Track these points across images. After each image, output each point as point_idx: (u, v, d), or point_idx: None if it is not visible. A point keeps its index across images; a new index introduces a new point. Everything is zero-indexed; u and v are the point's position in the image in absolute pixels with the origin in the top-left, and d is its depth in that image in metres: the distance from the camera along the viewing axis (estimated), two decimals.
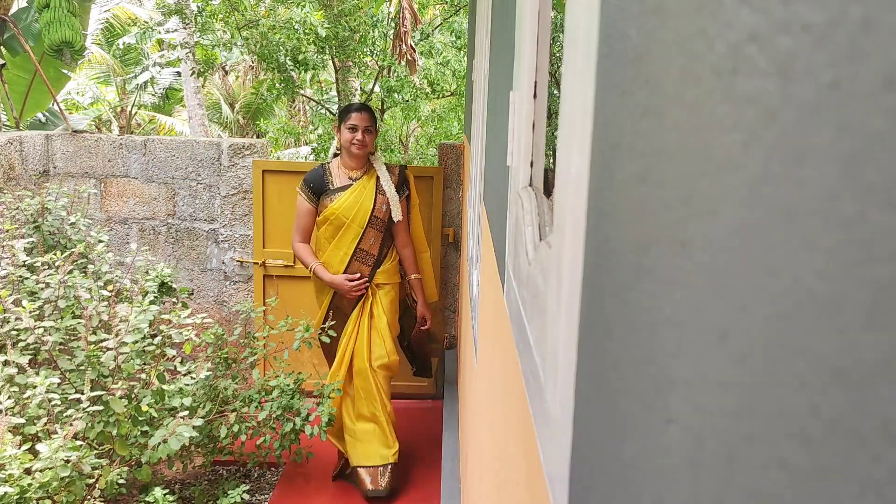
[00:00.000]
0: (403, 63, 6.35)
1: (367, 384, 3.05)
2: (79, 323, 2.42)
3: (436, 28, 7.52)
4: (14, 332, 2.36)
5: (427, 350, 3.39)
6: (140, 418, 2.37)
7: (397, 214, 3.05)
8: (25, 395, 2.19)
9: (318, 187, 3.05)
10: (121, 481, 2.26)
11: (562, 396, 0.57)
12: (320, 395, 3.10)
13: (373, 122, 3.04)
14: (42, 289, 2.54)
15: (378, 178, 3.06)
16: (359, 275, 3.02)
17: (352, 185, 3.03)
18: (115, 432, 2.29)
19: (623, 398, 0.40)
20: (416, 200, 3.26)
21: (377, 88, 7.10)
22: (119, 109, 11.87)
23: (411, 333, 3.30)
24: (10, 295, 2.51)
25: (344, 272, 3.02)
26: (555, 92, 4.90)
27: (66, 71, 6.19)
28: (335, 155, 3.16)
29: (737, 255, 0.26)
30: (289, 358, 3.36)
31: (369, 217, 3.01)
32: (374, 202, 3.02)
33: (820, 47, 0.21)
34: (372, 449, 3.04)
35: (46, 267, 2.64)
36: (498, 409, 1.30)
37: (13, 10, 5.57)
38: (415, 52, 6.31)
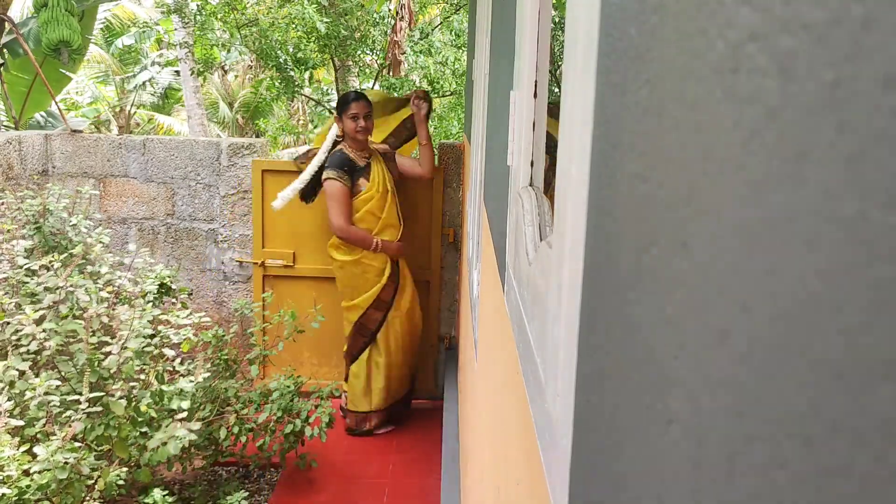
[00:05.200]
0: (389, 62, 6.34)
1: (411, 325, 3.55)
2: (79, 325, 2.42)
3: (435, 27, 7.52)
4: (14, 337, 2.37)
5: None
6: (139, 419, 2.37)
7: (415, 166, 3.53)
8: (25, 398, 2.19)
9: (350, 169, 3.33)
10: (120, 482, 2.26)
11: (562, 397, 0.57)
12: (319, 396, 3.11)
13: (370, 108, 3.37)
14: (42, 292, 2.54)
15: (379, 153, 3.48)
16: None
17: (370, 163, 3.39)
18: (114, 434, 2.29)
19: (623, 399, 0.40)
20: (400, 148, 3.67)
21: (377, 87, 7.10)
22: (118, 109, 11.87)
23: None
24: (11, 298, 2.51)
25: (399, 236, 3.42)
26: (556, 90, 4.89)
27: (66, 72, 6.19)
28: (335, 142, 3.43)
29: (737, 254, 0.26)
30: (288, 358, 3.36)
31: (394, 184, 3.45)
32: (390, 171, 3.46)
33: (820, 46, 0.21)
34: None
35: (46, 269, 2.64)
36: (498, 409, 1.30)
37: (19, 17, 5.57)
38: (402, 51, 6.29)
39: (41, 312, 2.44)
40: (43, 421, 2.20)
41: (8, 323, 2.37)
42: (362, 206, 3.34)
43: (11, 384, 2.21)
